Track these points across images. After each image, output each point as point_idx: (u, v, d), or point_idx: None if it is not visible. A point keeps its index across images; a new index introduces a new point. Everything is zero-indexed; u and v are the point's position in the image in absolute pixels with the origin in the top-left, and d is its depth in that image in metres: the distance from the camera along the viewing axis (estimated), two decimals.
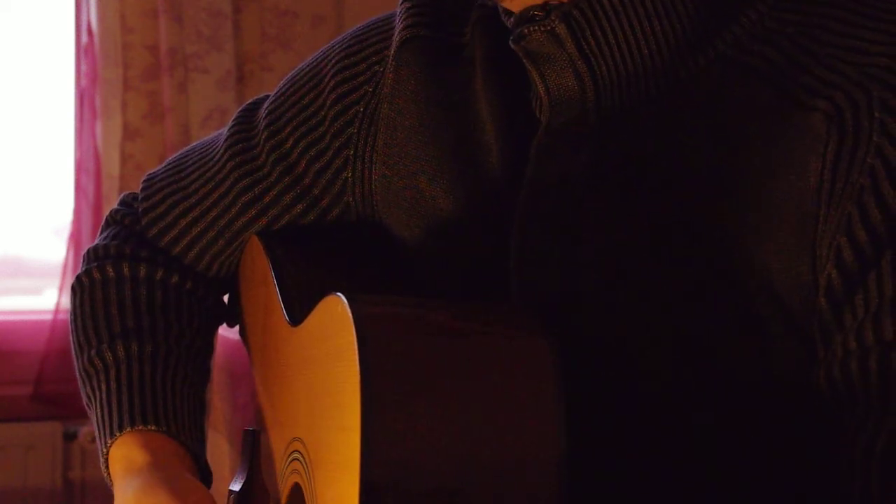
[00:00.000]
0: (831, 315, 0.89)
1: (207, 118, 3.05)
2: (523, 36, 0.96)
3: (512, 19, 0.99)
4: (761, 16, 0.94)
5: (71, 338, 1.19)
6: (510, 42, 0.98)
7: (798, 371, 0.92)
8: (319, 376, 0.94)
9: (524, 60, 0.97)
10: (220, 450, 2.20)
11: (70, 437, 3.05)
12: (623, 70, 0.95)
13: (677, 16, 0.94)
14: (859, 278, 0.88)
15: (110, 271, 1.19)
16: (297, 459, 1.01)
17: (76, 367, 1.17)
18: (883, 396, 0.87)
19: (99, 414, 1.12)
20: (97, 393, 1.13)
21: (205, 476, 1.11)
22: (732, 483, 0.94)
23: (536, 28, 0.95)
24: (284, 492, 1.06)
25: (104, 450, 1.10)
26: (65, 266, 3.05)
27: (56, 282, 3.08)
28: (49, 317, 3.03)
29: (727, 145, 0.92)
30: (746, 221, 0.91)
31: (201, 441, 1.13)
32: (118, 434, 1.09)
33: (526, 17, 0.97)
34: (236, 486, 1.15)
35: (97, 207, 3.03)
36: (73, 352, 1.18)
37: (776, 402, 0.92)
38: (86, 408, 1.15)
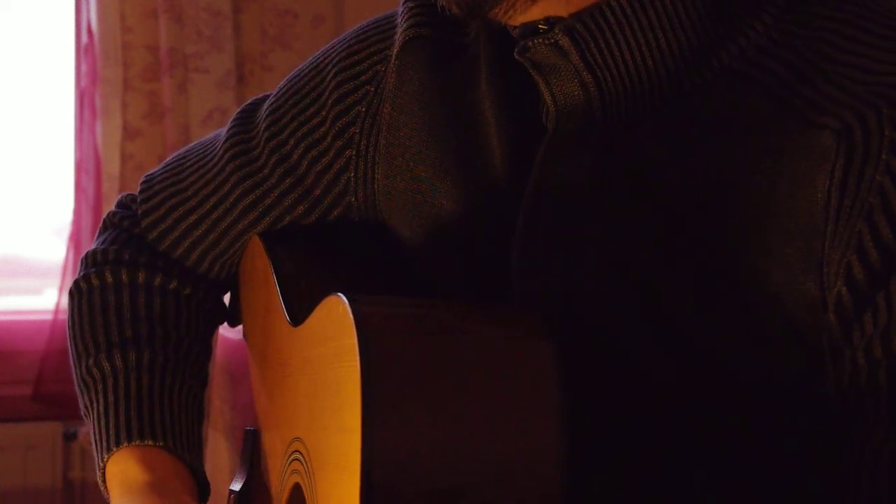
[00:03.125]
0: (840, 331, 0.89)
1: (207, 118, 3.05)
2: (527, 48, 0.96)
3: (516, 31, 0.98)
4: (767, 28, 0.93)
5: (69, 345, 1.18)
6: (515, 54, 0.97)
7: (804, 382, 0.91)
8: (320, 377, 0.94)
9: (530, 70, 0.97)
10: (219, 449, 2.20)
11: (70, 437, 3.05)
12: (628, 81, 0.94)
13: (682, 28, 0.93)
14: (869, 295, 0.88)
15: (108, 277, 1.18)
16: (297, 460, 1.01)
17: (74, 376, 1.15)
18: (891, 408, 0.87)
19: (96, 425, 1.11)
20: (95, 404, 1.12)
21: (202, 490, 1.11)
22: (735, 490, 0.94)
23: (540, 41, 0.95)
24: (285, 492, 1.06)
25: (101, 463, 1.09)
26: (65, 266, 3.04)
27: (56, 282, 3.07)
28: (49, 317, 3.03)
29: (732, 158, 0.91)
30: (751, 234, 0.90)
31: (199, 454, 1.12)
32: (115, 449, 1.08)
33: (530, 29, 0.97)
34: (237, 486, 1.15)
35: (97, 207, 3.03)
36: (70, 359, 1.17)
37: (782, 413, 0.92)
38: (83, 417, 1.14)
